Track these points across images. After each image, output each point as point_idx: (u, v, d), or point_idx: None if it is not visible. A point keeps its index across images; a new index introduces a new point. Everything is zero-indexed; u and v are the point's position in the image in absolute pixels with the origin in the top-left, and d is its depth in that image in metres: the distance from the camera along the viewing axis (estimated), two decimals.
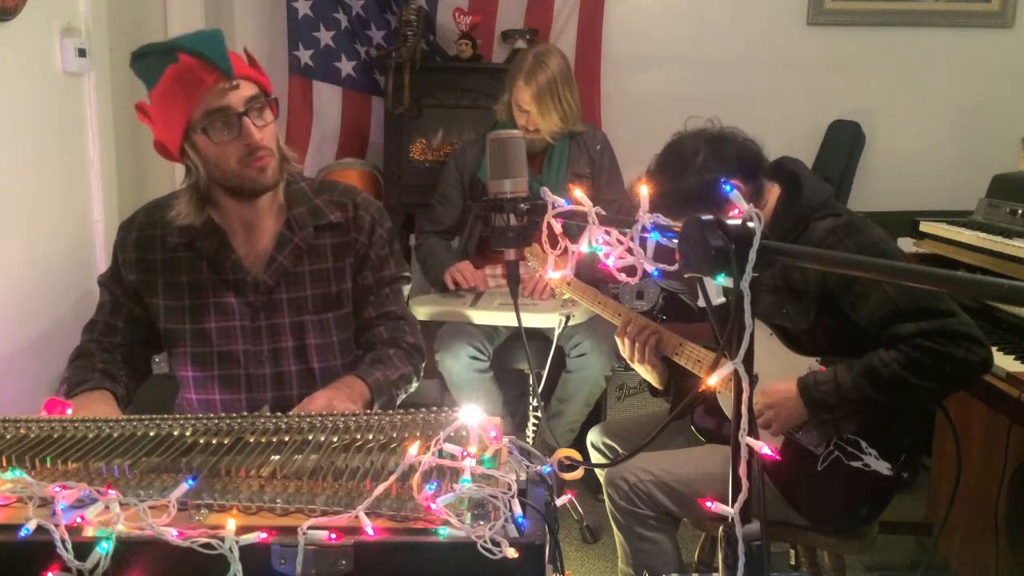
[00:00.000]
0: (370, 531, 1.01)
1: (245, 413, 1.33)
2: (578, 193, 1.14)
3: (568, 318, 2.58)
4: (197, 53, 1.49)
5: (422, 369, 1.79)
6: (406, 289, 1.84)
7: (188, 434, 1.26)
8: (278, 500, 1.08)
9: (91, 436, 1.26)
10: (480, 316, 2.70)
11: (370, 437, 1.23)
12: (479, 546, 0.99)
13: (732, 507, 0.92)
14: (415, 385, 1.76)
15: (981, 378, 1.77)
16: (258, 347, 1.70)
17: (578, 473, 1.20)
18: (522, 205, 1.24)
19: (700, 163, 1.74)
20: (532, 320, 2.64)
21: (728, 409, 1.88)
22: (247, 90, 1.55)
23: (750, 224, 0.87)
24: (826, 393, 1.69)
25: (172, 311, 1.70)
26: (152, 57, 1.54)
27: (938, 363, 1.61)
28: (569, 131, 2.92)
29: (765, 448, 0.89)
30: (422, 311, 2.77)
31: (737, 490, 0.91)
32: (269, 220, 1.70)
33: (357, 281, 1.75)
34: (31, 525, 1.01)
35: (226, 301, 1.69)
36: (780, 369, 1.78)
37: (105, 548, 0.98)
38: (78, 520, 1.03)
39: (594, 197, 2.97)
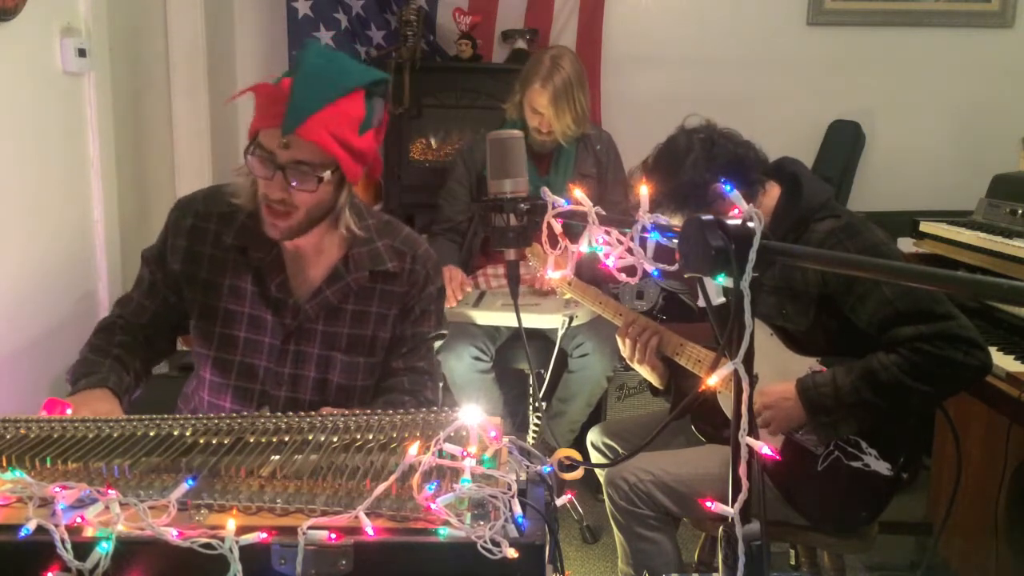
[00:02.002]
0: (370, 531, 1.01)
1: (245, 413, 1.33)
2: (578, 193, 1.14)
3: (571, 319, 2.58)
4: (293, 92, 1.44)
5: None
6: (438, 344, 1.83)
7: (188, 434, 1.26)
8: (278, 500, 1.08)
9: (91, 436, 1.26)
10: (483, 316, 2.70)
11: (370, 437, 1.23)
12: (479, 546, 0.99)
13: (732, 507, 0.92)
14: None
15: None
16: (280, 368, 1.68)
17: (578, 473, 1.20)
18: (522, 205, 1.24)
19: (690, 162, 1.74)
20: (535, 321, 2.64)
21: (728, 409, 1.88)
22: (301, 152, 1.48)
23: (750, 224, 0.87)
24: (825, 395, 1.69)
25: (206, 310, 1.67)
26: (296, 56, 1.52)
27: (937, 367, 1.61)
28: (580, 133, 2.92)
29: (765, 448, 0.89)
30: None
31: (737, 490, 0.91)
32: (328, 251, 1.67)
33: (395, 331, 1.72)
34: (31, 525, 1.01)
35: (261, 316, 1.66)
36: (780, 369, 1.78)
37: (105, 548, 0.98)
38: (78, 520, 1.03)
39: (599, 197, 2.96)
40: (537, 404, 2.75)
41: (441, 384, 1.93)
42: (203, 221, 1.68)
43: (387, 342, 1.72)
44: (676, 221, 1.38)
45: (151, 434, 1.26)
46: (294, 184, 1.50)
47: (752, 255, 0.86)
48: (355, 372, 1.70)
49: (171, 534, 0.99)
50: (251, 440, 1.24)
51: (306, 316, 1.66)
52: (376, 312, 1.70)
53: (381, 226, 1.72)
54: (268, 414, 1.32)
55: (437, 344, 1.82)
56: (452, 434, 1.15)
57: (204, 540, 0.98)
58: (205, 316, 1.68)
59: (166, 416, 1.32)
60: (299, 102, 1.44)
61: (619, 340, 2.02)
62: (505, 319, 2.71)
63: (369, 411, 1.34)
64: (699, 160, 1.74)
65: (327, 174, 1.51)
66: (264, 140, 1.49)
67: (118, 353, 1.66)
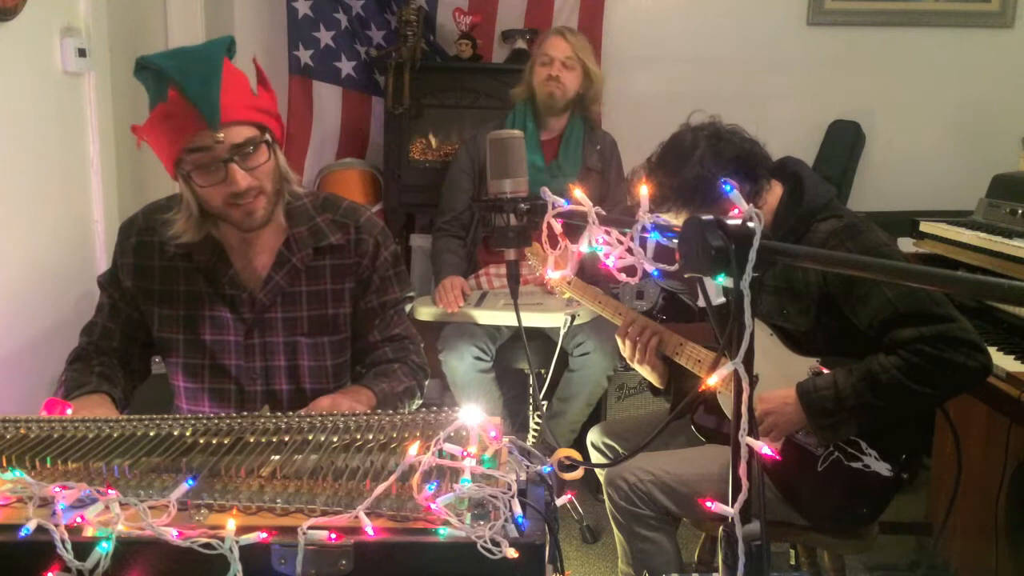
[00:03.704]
0: (370, 531, 1.01)
1: (245, 413, 1.33)
2: (578, 193, 1.14)
3: (573, 318, 2.58)
4: (187, 95, 1.44)
5: (426, 387, 1.77)
6: (408, 305, 1.83)
7: (188, 434, 1.26)
8: (278, 500, 1.08)
9: (91, 436, 1.26)
10: (484, 316, 2.70)
11: (370, 437, 1.23)
12: (479, 546, 0.99)
13: (732, 507, 0.92)
14: (418, 402, 1.74)
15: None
16: (251, 364, 1.69)
17: (578, 473, 1.20)
18: (522, 205, 1.24)
19: (697, 159, 1.74)
20: (537, 320, 2.64)
21: (728, 409, 1.87)
22: (236, 136, 1.49)
23: (750, 224, 0.87)
24: (826, 398, 1.69)
25: (166, 320, 1.68)
26: (148, 76, 1.49)
27: (938, 369, 1.61)
28: (586, 107, 3.01)
29: (765, 448, 0.89)
30: (426, 312, 2.76)
31: (737, 490, 0.91)
32: (268, 237, 1.66)
33: (360, 305, 1.72)
34: (31, 525, 1.01)
35: (221, 315, 1.67)
36: (780, 370, 1.78)
37: (105, 548, 0.98)
38: (78, 520, 1.03)
39: (603, 195, 3.01)
40: (537, 404, 2.75)
41: (435, 374, 1.92)
42: (146, 236, 1.70)
43: (350, 317, 1.72)
44: (682, 218, 1.37)
45: (151, 434, 1.26)
46: (247, 167, 1.51)
47: (752, 255, 0.86)
48: (322, 352, 1.71)
49: (171, 534, 0.99)
50: (251, 440, 1.24)
51: (262, 306, 1.67)
52: (331, 289, 1.70)
53: (319, 203, 1.72)
54: (268, 414, 1.32)
55: (408, 305, 1.82)
56: (452, 434, 1.15)
57: (204, 540, 0.98)
58: (167, 326, 1.69)
59: (166, 416, 1.32)
60: (203, 97, 1.44)
61: (619, 340, 2.01)
62: (507, 319, 2.71)
63: (369, 411, 1.34)
64: (706, 156, 1.74)
65: (267, 138, 1.54)
66: (193, 151, 1.49)
67: (100, 371, 1.66)
